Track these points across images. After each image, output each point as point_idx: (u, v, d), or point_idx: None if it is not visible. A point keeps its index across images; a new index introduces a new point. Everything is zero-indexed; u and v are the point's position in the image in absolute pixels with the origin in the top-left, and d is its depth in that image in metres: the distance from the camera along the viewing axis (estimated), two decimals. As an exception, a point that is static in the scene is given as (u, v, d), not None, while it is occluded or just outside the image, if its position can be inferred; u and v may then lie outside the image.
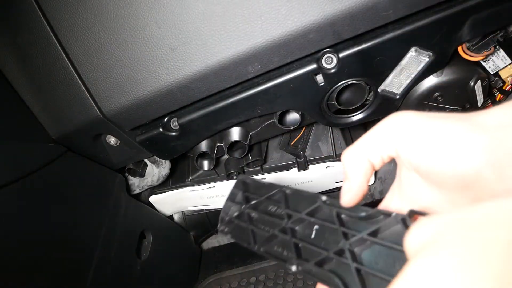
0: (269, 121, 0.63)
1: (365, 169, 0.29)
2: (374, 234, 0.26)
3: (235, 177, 0.79)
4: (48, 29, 0.52)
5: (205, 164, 0.74)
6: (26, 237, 0.52)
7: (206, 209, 0.93)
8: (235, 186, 0.37)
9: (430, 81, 0.59)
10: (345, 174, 0.30)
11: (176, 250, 0.92)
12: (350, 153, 0.29)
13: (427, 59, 0.53)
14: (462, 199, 0.25)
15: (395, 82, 0.56)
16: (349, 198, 0.29)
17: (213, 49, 0.49)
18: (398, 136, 0.27)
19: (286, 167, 0.82)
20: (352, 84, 0.55)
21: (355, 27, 0.48)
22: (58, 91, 0.56)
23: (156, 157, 0.73)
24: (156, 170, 0.78)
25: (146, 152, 0.66)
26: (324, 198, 0.30)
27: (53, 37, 0.52)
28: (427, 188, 0.27)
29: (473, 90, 0.61)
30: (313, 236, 0.30)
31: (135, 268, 0.72)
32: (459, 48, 0.56)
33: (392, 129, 0.27)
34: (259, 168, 0.81)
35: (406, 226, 0.24)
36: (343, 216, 0.29)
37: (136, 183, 0.80)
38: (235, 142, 0.65)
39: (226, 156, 0.76)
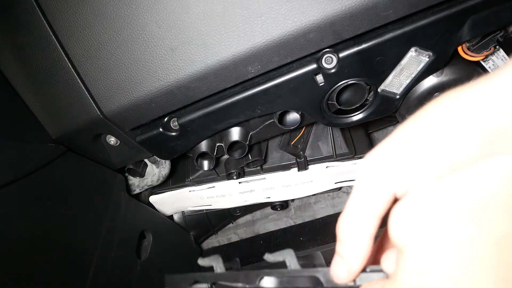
0: (269, 121, 0.63)
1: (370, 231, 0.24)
2: None
3: (235, 177, 0.79)
4: (48, 29, 0.52)
5: (205, 164, 0.74)
6: (26, 237, 0.52)
7: (206, 209, 0.93)
8: None
9: (430, 81, 0.59)
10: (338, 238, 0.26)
11: (176, 250, 0.91)
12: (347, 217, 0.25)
13: (427, 59, 0.53)
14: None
15: (395, 82, 0.56)
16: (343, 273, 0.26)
17: (213, 49, 0.49)
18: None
19: (286, 167, 0.82)
20: (352, 84, 0.55)
21: (355, 27, 0.48)
22: (58, 91, 0.56)
23: (156, 157, 0.73)
24: (156, 170, 0.78)
25: (146, 152, 0.66)
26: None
27: (53, 37, 0.52)
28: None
29: (473, 90, 0.61)
30: None
31: (135, 268, 0.72)
32: (459, 48, 0.56)
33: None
34: (259, 168, 0.81)
35: None
36: None
37: (136, 183, 0.80)
38: (235, 142, 0.65)
39: (226, 156, 0.76)
